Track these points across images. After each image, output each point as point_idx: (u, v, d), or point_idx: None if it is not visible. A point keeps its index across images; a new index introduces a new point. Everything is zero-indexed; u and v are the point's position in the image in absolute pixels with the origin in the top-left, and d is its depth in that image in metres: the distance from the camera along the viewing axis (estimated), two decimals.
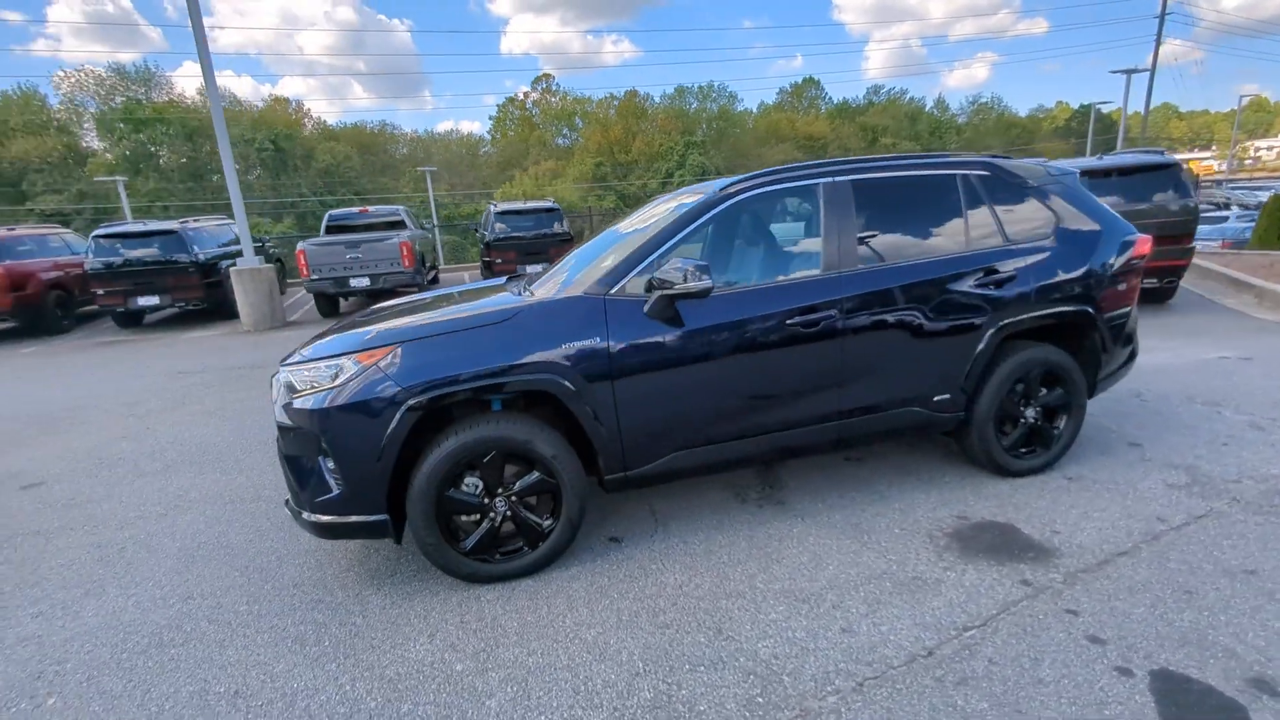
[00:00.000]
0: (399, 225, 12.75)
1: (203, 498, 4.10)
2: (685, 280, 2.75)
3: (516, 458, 2.84)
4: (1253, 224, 12.42)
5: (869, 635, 2.41)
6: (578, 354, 2.80)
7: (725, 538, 3.19)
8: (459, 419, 2.85)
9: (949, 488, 3.53)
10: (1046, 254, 3.45)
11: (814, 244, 3.22)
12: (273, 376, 3.00)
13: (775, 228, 3.60)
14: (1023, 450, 3.61)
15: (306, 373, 2.79)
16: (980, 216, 3.43)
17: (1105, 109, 40.90)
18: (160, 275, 11.21)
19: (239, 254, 11.24)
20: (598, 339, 2.82)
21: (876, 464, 3.89)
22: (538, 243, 12.19)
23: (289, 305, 13.13)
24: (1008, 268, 3.36)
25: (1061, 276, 3.44)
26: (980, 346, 3.31)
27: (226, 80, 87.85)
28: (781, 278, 3.20)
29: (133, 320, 11.88)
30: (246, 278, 10.78)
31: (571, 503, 2.91)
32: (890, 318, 3.19)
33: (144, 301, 11.27)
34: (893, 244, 3.33)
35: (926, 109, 61.03)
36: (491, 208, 13.25)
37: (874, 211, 3.35)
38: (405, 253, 11.01)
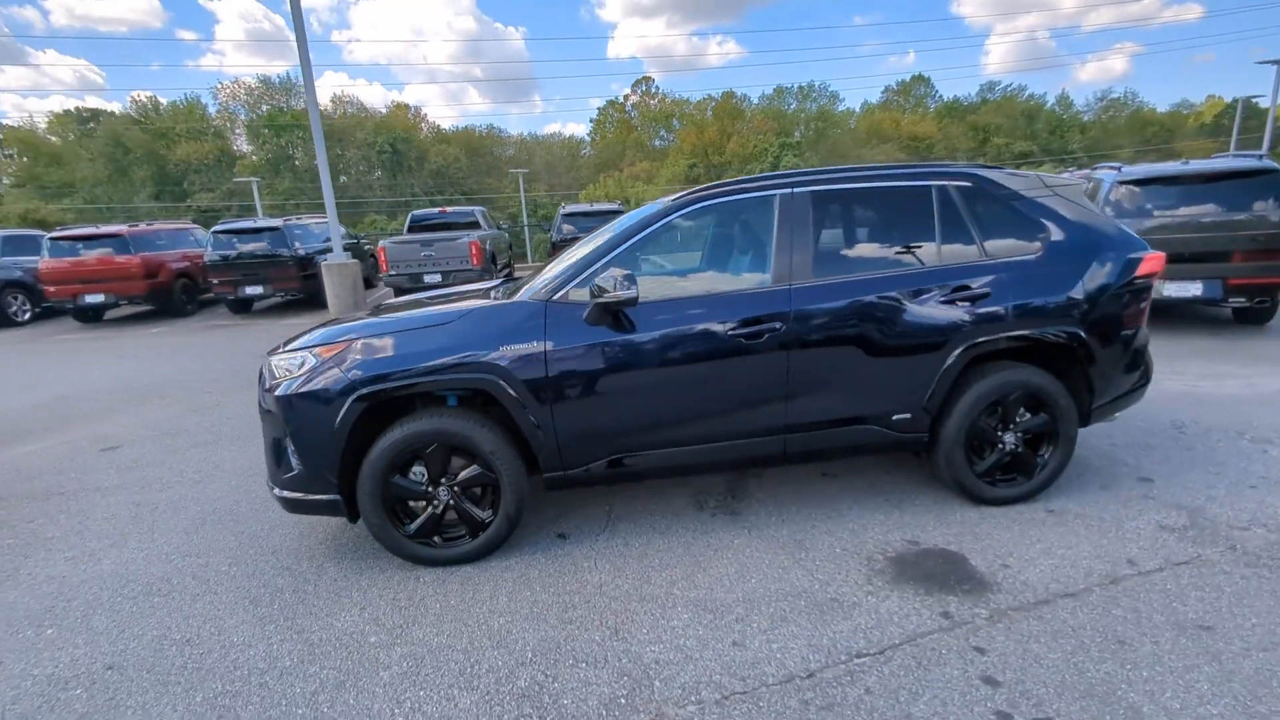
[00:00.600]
0: (472, 225, 13.45)
1: (234, 469, 4.61)
2: (614, 289, 2.83)
3: (461, 451, 3.04)
4: None
5: (757, 651, 2.41)
6: (514, 356, 2.95)
7: (665, 542, 3.23)
8: (418, 411, 3.09)
9: (914, 511, 3.39)
10: (1030, 270, 3.23)
11: (767, 256, 3.19)
12: (260, 366, 3.36)
13: (736, 239, 3.58)
14: (1000, 478, 3.40)
15: (282, 362, 3.11)
16: (956, 230, 3.27)
17: (1263, 103, 36.19)
18: (264, 267, 12.45)
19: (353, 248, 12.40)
20: (535, 343, 2.96)
21: (850, 481, 3.78)
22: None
23: (379, 297, 14.17)
24: (981, 284, 3.18)
25: (1046, 294, 3.21)
26: (945, 366, 3.16)
27: (359, 89, 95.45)
28: (730, 289, 3.20)
29: (243, 307, 13.25)
30: (334, 271, 11.76)
31: (509, 498, 3.07)
32: (842, 332, 3.11)
33: (250, 291, 12.56)
34: (854, 257, 3.25)
35: (1048, 105, 56.43)
36: (561, 209, 13.69)
37: (837, 223, 3.28)
38: (474, 251, 11.61)
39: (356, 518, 3.10)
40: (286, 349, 3.20)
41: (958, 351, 3.15)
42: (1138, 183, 6.70)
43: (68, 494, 4.33)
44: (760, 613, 2.64)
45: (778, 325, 3.05)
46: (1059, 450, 3.35)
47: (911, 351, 3.16)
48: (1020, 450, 3.34)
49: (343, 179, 58.69)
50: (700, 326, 3.04)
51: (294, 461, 3.02)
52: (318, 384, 2.94)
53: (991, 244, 3.27)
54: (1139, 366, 3.46)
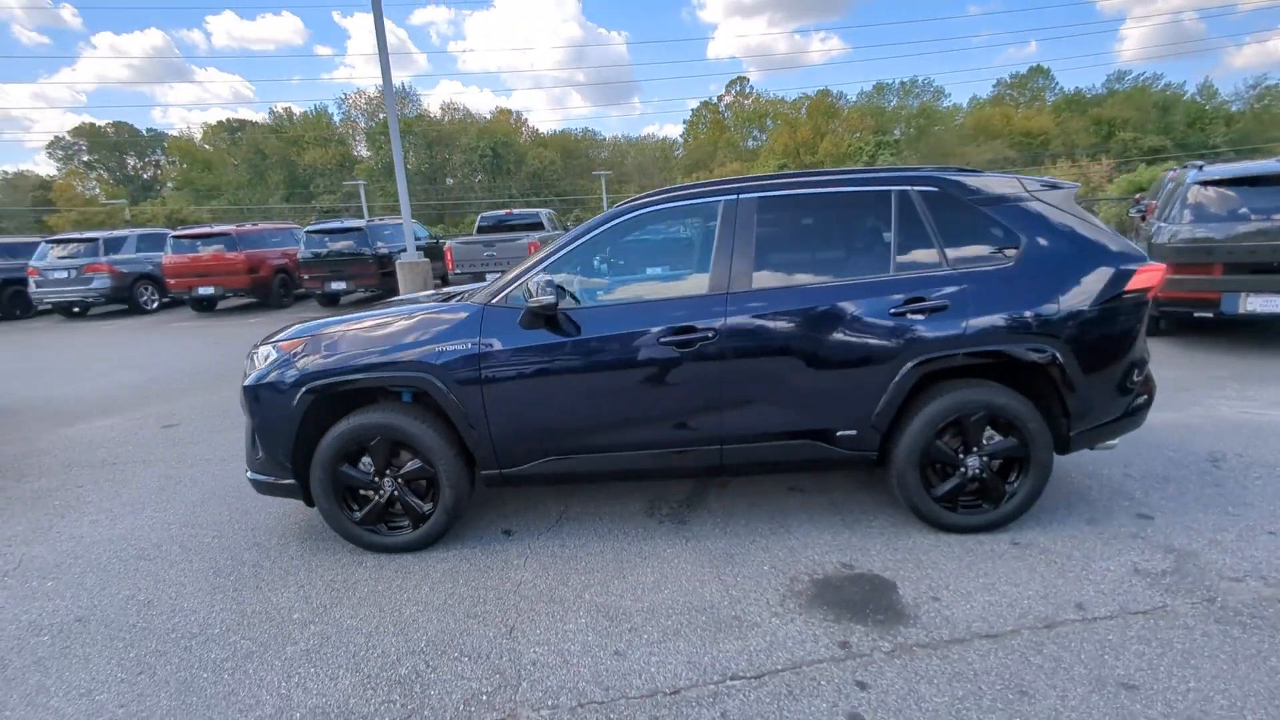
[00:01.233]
0: (535, 227, 13.87)
1: None
2: (536, 294, 2.89)
3: (404, 446, 3.19)
4: None
5: (635, 662, 2.39)
6: (449, 357, 3.06)
7: (599, 546, 3.25)
8: (370, 405, 3.28)
9: (866, 533, 3.21)
10: (997, 282, 2.98)
11: (707, 263, 3.13)
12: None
13: (682, 246, 3.52)
14: (964, 504, 3.16)
15: (258, 355, 3.39)
16: (915, 237, 3.07)
17: None
18: (347, 264, 13.42)
19: (424, 248, 13.18)
20: (469, 345, 3.06)
21: (813, 498, 3.62)
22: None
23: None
24: (938, 295, 2.97)
25: (1014, 308, 2.95)
26: (894, 381, 2.97)
27: (470, 95, 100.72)
28: (668, 295, 3.17)
29: (331, 301, 14.33)
30: (407, 269, 12.50)
31: (447, 492, 3.19)
32: (779, 343, 3.00)
33: (335, 286, 13.58)
34: (800, 265, 3.13)
35: (1187, 95, 50.61)
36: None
37: (785, 231, 3.17)
38: (531, 251, 12.01)
39: (312, 502, 3.33)
40: (264, 343, 3.48)
41: (908, 367, 2.96)
42: (1220, 183, 5.94)
43: (119, 464, 4.90)
44: (657, 624, 2.61)
45: (710, 334, 2.98)
46: (1030, 478, 3.07)
47: (856, 365, 3.00)
48: (985, 475, 3.09)
49: (449, 181, 62.20)
50: (634, 333, 3.03)
51: (259, 446, 3.29)
52: (276, 376, 3.18)
53: (955, 253, 3.04)
54: (1132, 390, 3.11)
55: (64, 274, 14.42)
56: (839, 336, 2.98)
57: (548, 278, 2.93)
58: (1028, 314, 2.95)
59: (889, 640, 2.43)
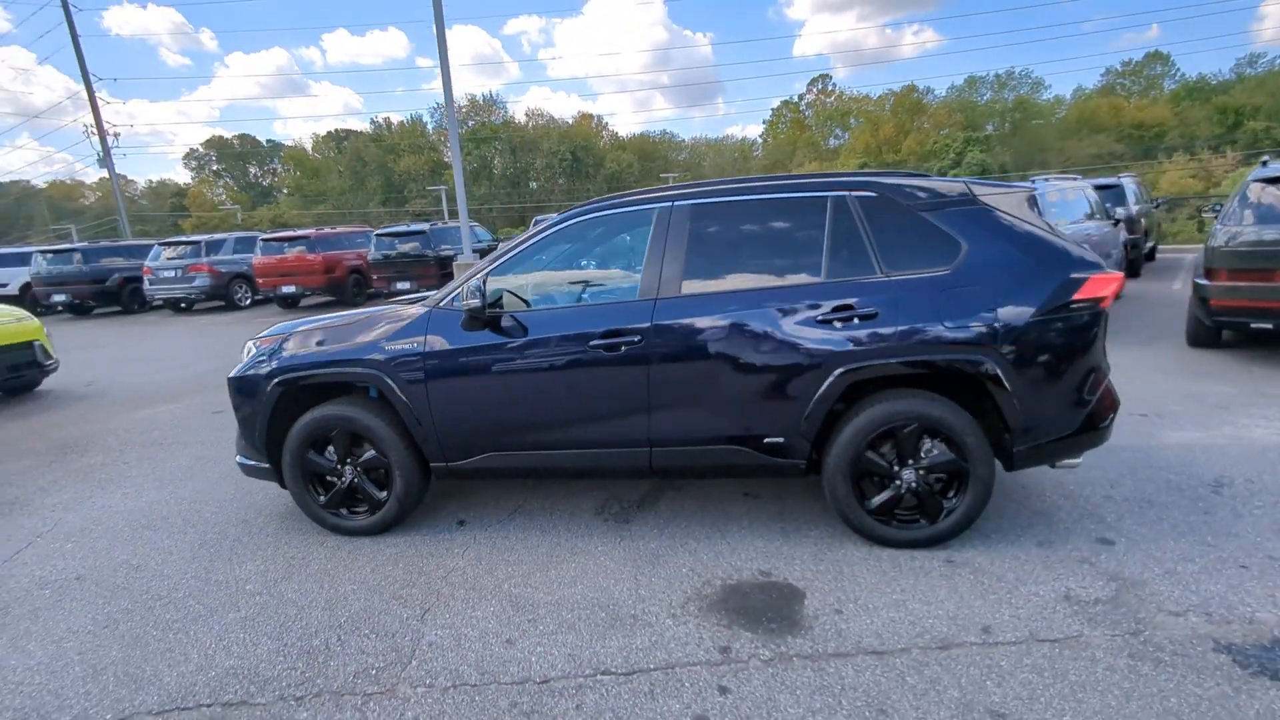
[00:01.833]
0: None
1: None
2: (465, 299, 3.05)
3: (362, 437, 3.43)
4: None
5: (520, 650, 2.49)
6: (397, 356, 3.27)
7: (538, 540, 3.37)
8: (338, 398, 3.55)
9: (800, 542, 3.17)
10: (931, 290, 2.87)
11: (639, 269, 3.19)
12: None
13: (620, 253, 3.57)
14: (900, 518, 3.06)
15: (245, 350, 3.74)
16: (848, 244, 3.00)
17: None
18: (411, 265, 14.22)
19: (482, 250, 13.86)
20: (415, 345, 3.26)
21: (764, 505, 3.59)
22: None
23: None
24: (868, 303, 2.90)
25: (948, 316, 2.83)
26: (821, 390, 2.93)
27: (558, 101, 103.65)
28: (598, 301, 3.25)
29: None
30: (462, 270, 13.12)
31: (398, 482, 3.41)
32: (704, 349, 3.02)
33: (400, 285, 14.39)
34: (731, 271, 3.13)
35: None
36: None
37: (718, 238, 3.18)
38: None
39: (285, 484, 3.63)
40: (250, 339, 3.83)
41: (834, 375, 2.90)
42: None
43: (164, 444, 5.48)
44: (557, 617, 2.70)
45: (636, 338, 3.04)
46: (969, 494, 2.94)
47: (782, 372, 2.97)
48: (921, 489, 2.98)
49: (532, 184, 64.23)
50: (566, 336, 3.14)
51: (242, 432, 3.63)
52: (253, 370, 3.51)
53: (890, 260, 2.96)
54: (1086, 404, 2.91)
55: (171, 273, 16.05)
56: (764, 343, 2.97)
57: (478, 282, 3.08)
58: (962, 323, 2.82)
59: (771, 649, 2.42)
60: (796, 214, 3.11)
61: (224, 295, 16.38)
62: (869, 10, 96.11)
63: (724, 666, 2.34)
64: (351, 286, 15.51)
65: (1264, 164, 5.63)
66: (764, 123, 57.63)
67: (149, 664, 2.54)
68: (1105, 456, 3.94)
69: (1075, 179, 8.82)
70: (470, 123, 67.45)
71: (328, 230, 15.83)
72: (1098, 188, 9.26)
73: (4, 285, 18.11)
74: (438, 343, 3.24)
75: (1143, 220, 10.93)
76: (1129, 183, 11.15)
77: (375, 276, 14.68)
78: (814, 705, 2.12)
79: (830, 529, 3.26)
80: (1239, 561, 2.78)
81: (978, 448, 2.88)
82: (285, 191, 76.74)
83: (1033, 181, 7.50)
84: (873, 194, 3.03)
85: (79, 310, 17.21)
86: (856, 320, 2.89)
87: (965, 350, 2.82)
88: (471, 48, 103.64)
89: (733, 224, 3.18)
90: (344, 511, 3.55)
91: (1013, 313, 2.81)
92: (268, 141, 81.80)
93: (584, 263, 3.72)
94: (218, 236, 17.23)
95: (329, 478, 3.54)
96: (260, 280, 15.36)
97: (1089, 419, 2.92)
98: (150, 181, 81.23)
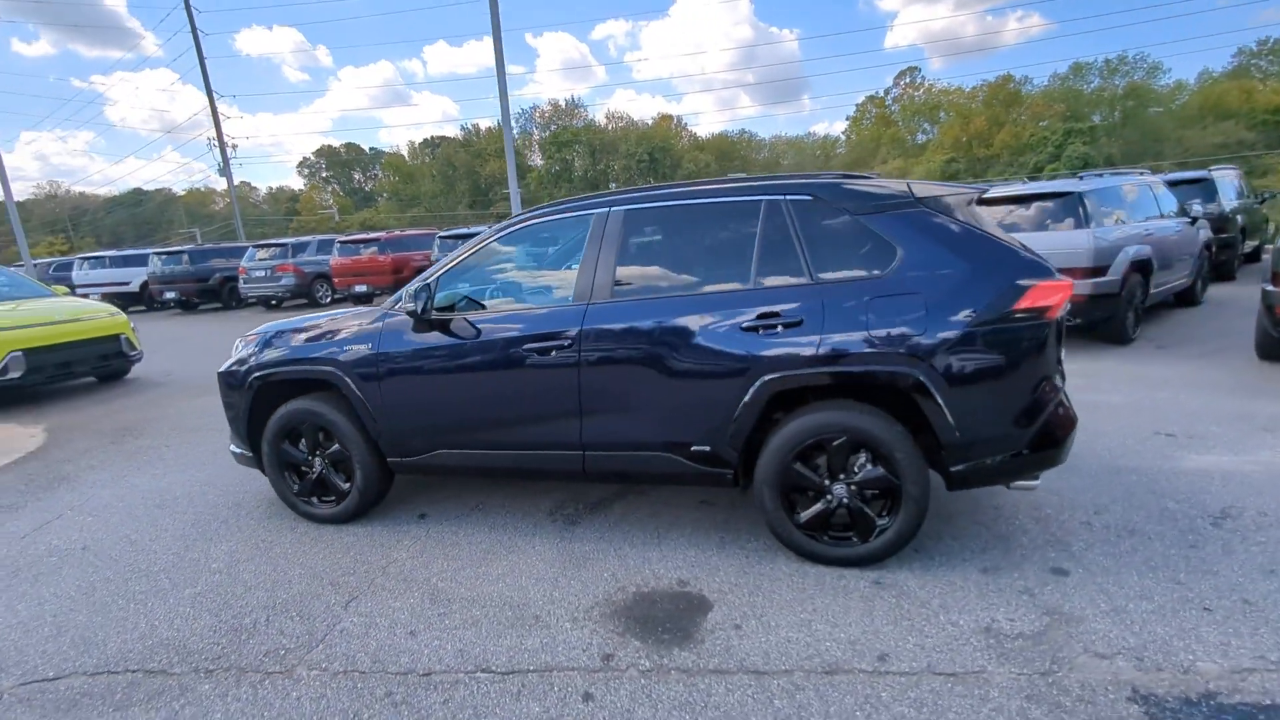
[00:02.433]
0: None
1: None
2: (404, 301, 3.17)
3: (327, 431, 3.64)
4: None
5: (419, 643, 2.58)
6: (354, 356, 3.45)
7: (484, 537, 3.46)
8: (309, 393, 3.78)
9: (732, 555, 3.09)
10: (862, 296, 2.74)
11: (575, 274, 3.21)
12: None
13: (561, 258, 3.56)
14: (833, 535, 2.92)
15: (234, 347, 4.04)
16: (780, 250, 2.90)
17: None
18: None
19: None
20: (369, 346, 3.43)
21: (716, 513, 3.52)
22: None
23: None
24: (794, 310, 2.79)
25: (877, 324, 2.69)
26: (745, 399, 2.85)
27: (641, 103, 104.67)
28: (535, 305, 3.29)
29: None
30: None
31: (358, 473, 3.59)
32: (631, 355, 3.00)
33: None
34: (661, 277, 3.09)
35: None
36: None
37: (652, 243, 3.16)
38: None
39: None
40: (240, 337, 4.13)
41: (758, 384, 2.82)
42: None
43: (203, 430, 5.99)
44: (467, 613, 2.77)
45: (566, 342, 3.07)
46: (901, 513, 2.77)
47: (707, 380, 2.91)
48: (852, 506, 2.84)
49: (611, 185, 65.11)
50: (505, 339, 3.20)
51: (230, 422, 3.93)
52: (236, 365, 3.79)
53: (821, 266, 2.84)
54: (1033, 422, 2.68)
55: (262, 273, 17.43)
56: (690, 350, 2.92)
57: (417, 286, 3.20)
58: (891, 332, 2.67)
59: (652, 660, 2.39)
60: (730, 219, 3.04)
61: (307, 293, 17.61)
62: None
63: (600, 674, 2.33)
64: None
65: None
66: (847, 119, 55.86)
67: (103, 630, 2.81)
68: (1105, 479, 3.61)
69: (1143, 173, 8.04)
70: (553, 126, 69.26)
71: (398, 233, 16.71)
72: (1179, 183, 8.40)
73: (126, 283, 20.25)
74: (388, 344, 3.40)
75: (1239, 218, 9.80)
76: (1224, 176, 10.02)
77: None
78: (650, 717, 2.09)
79: (769, 542, 3.16)
80: (1204, 603, 2.49)
81: (909, 464, 2.71)
82: (384, 196, 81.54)
83: (1080, 177, 6.91)
84: (808, 197, 2.92)
85: (185, 306, 18.99)
86: (780, 328, 2.80)
87: (892, 361, 2.67)
88: (561, 53, 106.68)
89: (666, 229, 3.15)
90: (314, 500, 3.77)
91: (946, 322, 2.63)
92: (370, 149, 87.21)
93: (535, 265, 3.78)
94: (303, 239, 18.55)
95: (302, 468, 3.77)
96: (336, 280, 16.42)
97: (1037, 438, 2.69)
98: (270, 188, 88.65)
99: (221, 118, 32.65)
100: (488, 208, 66.28)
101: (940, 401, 2.63)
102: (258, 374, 3.67)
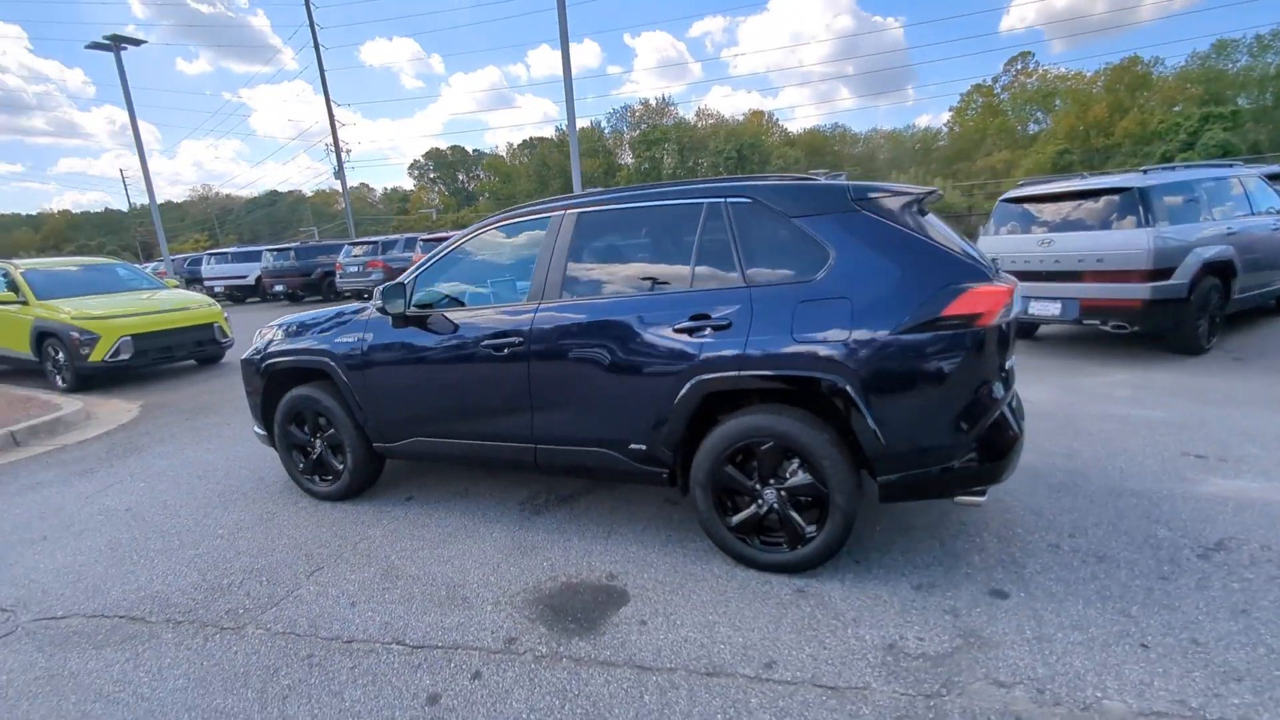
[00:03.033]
0: None
1: None
2: (375, 298, 3.41)
3: (325, 416, 3.97)
4: None
5: (356, 613, 2.80)
6: (344, 348, 3.74)
7: (455, 521, 3.65)
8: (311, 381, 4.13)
9: (672, 553, 3.12)
10: (791, 300, 2.69)
11: (531, 276, 3.33)
12: None
13: (525, 259, 3.65)
14: (766, 540, 2.89)
15: (255, 336, 4.46)
16: (717, 252, 2.90)
17: None
18: None
19: None
20: (357, 339, 3.71)
21: (671, 512, 3.55)
22: None
23: None
24: (724, 313, 2.78)
25: (803, 328, 2.63)
26: (677, 400, 2.87)
27: (737, 99, 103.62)
28: (496, 305, 3.43)
29: None
30: None
31: (349, 458, 3.89)
32: (575, 354, 3.09)
33: None
34: (606, 279, 3.16)
35: None
36: None
37: (599, 245, 3.23)
38: None
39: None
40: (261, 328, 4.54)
41: (689, 385, 2.84)
42: None
43: None
44: (405, 589, 2.97)
45: (518, 340, 3.20)
46: (829, 523, 2.71)
47: (642, 380, 2.95)
48: (781, 512, 2.81)
49: None
50: (467, 337, 3.38)
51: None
52: (254, 354, 4.20)
53: (756, 268, 2.81)
54: (967, 434, 2.53)
55: (355, 268, 18.77)
56: (628, 350, 2.97)
57: (392, 284, 3.44)
58: (816, 336, 2.62)
59: (550, 646, 2.48)
60: (672, 222, 3.07)
61: None
62: None
63: (498, 655, 2.45)
64: None
65: None
66: (951, 110, 52.73)
67: (111, 580, 3.23)
68: (1100, 500, 3.34)
69: (1231, 165, 7.17)
70: (643, 125, 69.82)
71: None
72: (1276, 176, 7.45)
73: (244, 277, 22.41)
74: (371, 338, 3.66)
75: None
76: None
77: None
78: (538, 705, 2.17)
79: (712, 544, 3.16)
80: (1144, 639, 2.28)
81: (835, 473, 2.65)
82: (485, 195, 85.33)
83: (1144, 171, 6.27)
84: (747, 200, 2.89)
85: (292, 298, 20.77)
86: (710, 330, 2.80)
87: (815, 366, 2.61)
88: (658, 52, 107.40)
89: (614, 232, 3.21)
90: (315, 478, 4.12)
91: (872, 327, 2.54)
92: (474, 151, 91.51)
93: (502, 267, 3.92)
94: (392, 237, 19.80)
95: (306, 449, 4.13)
96: None
97: (972, 452, 2.55)
98: (385, 188, 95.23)
99: (344, 124, 35.32)
100: None
101: (864, 409, 2.55)
102: (269, 362, 4.06)
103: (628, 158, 71.14)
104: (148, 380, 8.78)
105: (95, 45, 21.38)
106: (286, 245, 22.08)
